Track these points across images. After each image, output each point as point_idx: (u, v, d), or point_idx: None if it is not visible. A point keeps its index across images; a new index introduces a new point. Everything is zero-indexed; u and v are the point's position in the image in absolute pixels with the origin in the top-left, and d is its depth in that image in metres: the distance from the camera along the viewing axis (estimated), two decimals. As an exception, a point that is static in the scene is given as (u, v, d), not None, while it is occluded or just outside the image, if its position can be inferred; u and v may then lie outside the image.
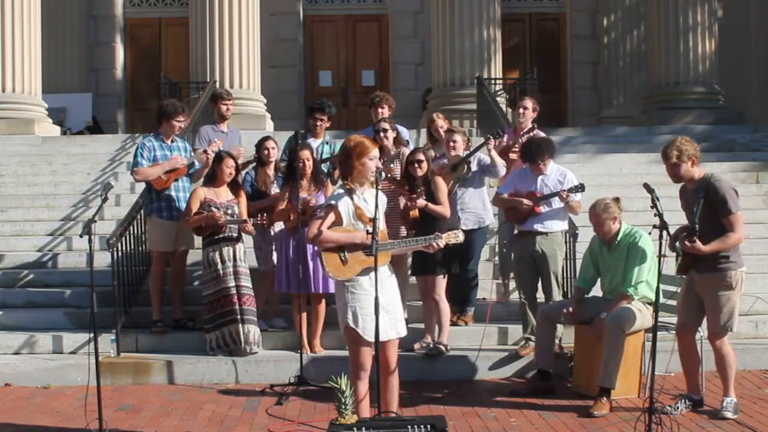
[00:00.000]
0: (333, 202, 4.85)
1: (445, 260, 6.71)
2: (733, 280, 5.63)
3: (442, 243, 4.81)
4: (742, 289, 5.74)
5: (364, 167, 4.80)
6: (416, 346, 7.03)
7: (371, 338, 4.66)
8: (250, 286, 7.16)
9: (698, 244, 5.48)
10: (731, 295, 5.63)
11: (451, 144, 7.42)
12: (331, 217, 4.81)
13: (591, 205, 6.30)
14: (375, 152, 4.83)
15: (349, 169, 4.85)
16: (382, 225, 4.86)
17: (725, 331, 5.66)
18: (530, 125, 7.95)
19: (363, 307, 4.71)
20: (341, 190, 4.88)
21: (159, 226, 7.53)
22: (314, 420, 5.68)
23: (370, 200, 4.84)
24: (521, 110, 8.10)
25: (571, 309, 6.26)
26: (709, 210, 5.52)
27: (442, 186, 6.94)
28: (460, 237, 4.92)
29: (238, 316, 7.01)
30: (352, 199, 4.82)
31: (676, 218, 5.98)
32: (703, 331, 5.92)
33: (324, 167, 7.75)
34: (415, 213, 6.85)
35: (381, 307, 4.63)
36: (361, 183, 4.86)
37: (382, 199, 4.92)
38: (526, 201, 6.80)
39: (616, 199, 6.28)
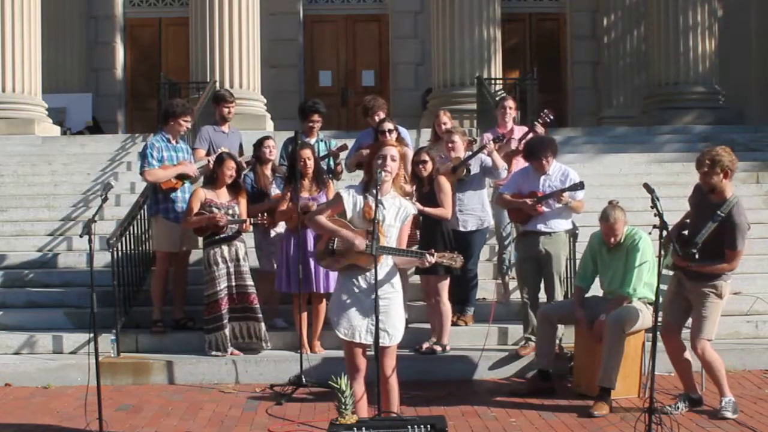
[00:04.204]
0: (341, 192, 4.86)
1: None
2: (723, 290, 5.66)
3: (432, 260, 4.76)
4: (726, 300, 5.78)
5: (376, 166, 4.78)
6: (425, 345, 7.04)
7: (341, 334, 4.70)
8: (253, 284, 7.17)
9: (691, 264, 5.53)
10: (719, 304, 5.68)
11: (450, 145, 7.43)
12: (333, 207, 4.82)
13: (602, 215, 6.22)
14: (384, 150, 4.78)
15: (369, 170, 4.84)
16: (393, 232, 4.79)
17: (706, 339, 5.67)
18: (513, 125, 8.19)
19: (343, 304, 4.72)
20: (355, 186, 4.88)
21: (165, 227, 7.53)
22: (314, 420, 5.69)
23: (391, 207, 4.77)
24: (507, 110, 8.22)
25: (581, 319, 6.25)
26: (718, 233, 5.51)
27: (445, 187, 6.94)
28: (458, 262, 4.81)
29: (238, 315, 7.05)
30: (365, 197, 4.78)
31: (677, 218, 5.97)
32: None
33: (323, 164, 7.77)
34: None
35: (362, 309, 4.65)
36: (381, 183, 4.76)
37: (408, 210, 4.87)
38: (529, 201, 6.79)
39: (617, 203, 6.26)
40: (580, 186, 6.77)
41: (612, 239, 6.20)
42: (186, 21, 14.06)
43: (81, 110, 15.32)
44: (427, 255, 4.70)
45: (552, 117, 8.06)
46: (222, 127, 8.44)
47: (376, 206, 4.61)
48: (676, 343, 5.86)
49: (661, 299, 6.12)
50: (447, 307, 7.00)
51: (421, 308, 7.54)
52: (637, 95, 15.88)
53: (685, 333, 5.90)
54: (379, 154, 4.77)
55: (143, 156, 7.54)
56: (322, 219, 4.78)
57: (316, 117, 8.02)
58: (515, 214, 7.06)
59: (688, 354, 5.89)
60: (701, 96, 13.91)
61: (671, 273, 5.89)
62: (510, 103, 8.31)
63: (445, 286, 6.98)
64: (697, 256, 5.48)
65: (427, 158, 6.98)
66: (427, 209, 6.87)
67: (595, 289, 6.54)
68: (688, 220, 5.81)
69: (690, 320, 5.82)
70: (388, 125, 7.52)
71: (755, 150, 11.92)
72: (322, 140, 8.20)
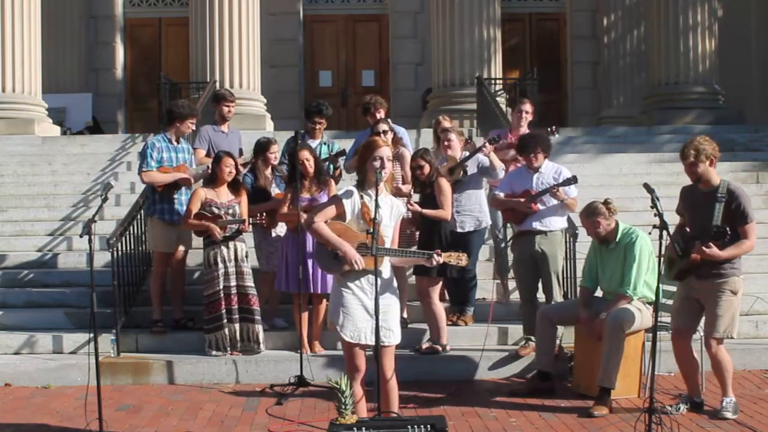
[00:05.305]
0: (339, 195, 4.85)
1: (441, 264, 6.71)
2: (737, 285, 5.62)
3: (440, 260, 4.77)
4: (741, 296, 5.74)
5: (372, 167, 4.76)
6: (424, 345, 7.05)
7: (348, 337, 4.68)
8: (254, 285, 7.17)
9: (715, 249, 5.45)
10: (734, 301, 5.62)
11: (446, 143, 7.43)
12: (332, 210, 4.79)
13: (582, 209, 6.30)
14: (380, 151, 4.75)
15: (362, 170, 4.82)
16: (389, 232, 4.80)
17: (724, 338, 5.64)
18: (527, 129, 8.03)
19: (346, 306, 4.70)
20: (353, 187, 4.87)
21: (160, 228, 7.52)
22: (314, 420, 5.68)
23: (384, 206, 4.75)
24: (523, 114, 8.06)
25: (584, 316, 6.23)
26: (726, 216, 5.49)
27: (445, 189, 6.95)
28: (463, 261, 4.85)
29: (237, 315, 7.04)
30: (362, 198, 4.78)
31: (677, 219, 5.97)
32: (700, 331, 5.91)
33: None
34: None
35: (366, 310, 4.65)
36: (373, 183, 4.73)
37: (400, 208, 4.91)
38: (523, 200, 6.81)
39: (606, 201, 6.26)
40: (573, 180, 6.77)
41: (592, 234, 6.23)
42: (186, 21, 14.07)
43: (81, 110, 15.32)
44: (435, 255, 4.73)
45: (558, 133, 8.04)
46: (221, 127, 8.43)
47: (376, 207, 4.61)
48: (686, 347, 5.82)
49: (663, 300, 6.14)
50: (438, 307, 7.01)
51: (420, 308, 7.53)
52: (637, 95, 15.88)
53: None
54: (375, 156, 4.75)
55: (142, 156, 7.53)
56: (324, 228, 4.73)
57: (318, 118, 8.04)
58: (509, 215, 7.05)
59: (697, 356, 5.89)
60: (701, 96, 13.91)
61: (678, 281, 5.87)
62: (527, 107, 8.10)
63: (436, 289, 7.00)
64: (729, 231, 5.40)
65: (423, 163, 7.00)
66: (426, 211, 6.90)
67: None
68: (687, 229, 5.77)
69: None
70: (383, 126, 7.53)
71: (755, 150, 11.92)
72: (325, 143, 8.20)
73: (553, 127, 7.97)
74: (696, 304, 5.74)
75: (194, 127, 7.96)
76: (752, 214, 5.55)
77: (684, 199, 5.85)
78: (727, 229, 5.42)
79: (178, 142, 7.70)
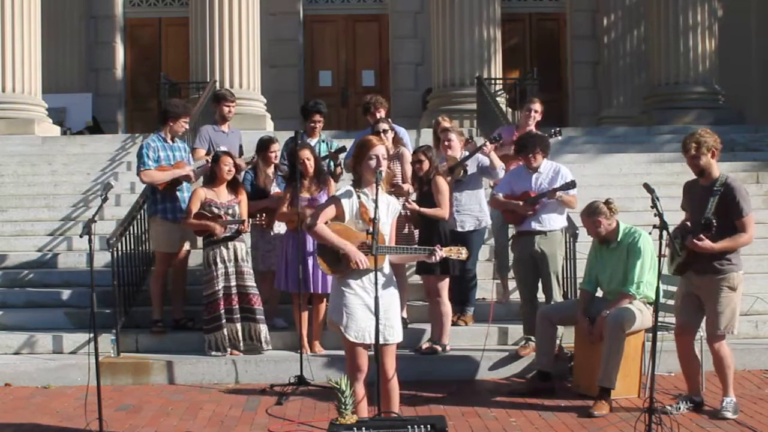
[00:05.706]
0: (337, 195, 4.84)
1: (443, 261, 6.70)
2: (735, 281, 5.61)
3: (442, 254, 4.78)
4: (741, 292, 5.73)
5: (368, 166, 4.77)
6: (424, 345, 7.04)
7: (352, 337, 4.66)
8: (255, 285, 7.17)
9: (707, 242, 5.46)
10: (733, 297, 5.62)
11: (446, 143, 7.43)
12: (331, 210, 4.78)
13: (583, 209, 6.31)
14: (376, 150, 4.75)
15: (357, 169, 4.82)
16: (387, 229, 4.81)
17: (725, 334, 5.64)
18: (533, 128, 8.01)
19: (348, 305, 4.69)
20: (350, 187, 4.86)
21: (163, 227, 7.53)
22: (314, 420, 5.68)
23: (381, 204, 4.73)
24: (532, 113, 7.98)
25: (582, 319, 6.24)
26: (721, 209, 5.50)
27: (442, 187, 6.94)
28: (463, 254, 4.87)
29: (237, 315, 7.04)
30: (359, 197, 4.79)
31: (676, 218, 5.98)
32: (702, 331, 5.92)
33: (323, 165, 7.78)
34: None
35: (368, 309, 4.64)
36: (369, 182, 4.77)
37: (396, 206, 4.93)
38: (522, 204, 6.80)
39: (607, 200, 6.26)
40: (571, 185, 6.77)
41: (593, 234, 6.25)
42: (186, 21, 14.07)
43: (81, 110, 15.31)
44: (436, 250, 4.74)
45: (561, 136, 8.06)
46: (222, 127, 8.44)
47: (376, 207, 4.62)
48: (689, 344, 5.83)
49: (663, 300, 6.14)
50: (447, 307, 7.00)
51: (420, 308, 7.55)
52: (637, 95, 15.88)
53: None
54: (370, 155, 4.74)
55: (139, 156, 7.55)
56: (326, 230, 4.72)
57: (317, 117, 8.06)
58: (509, 216, 7.05)
59: (699, 355, 5.88)
60: (701, 96, 13.91)
61: (679, 277, 5.87)
62: (537, 106, 8.04)
63: (444, 285, 6.98)
64: (715, 222, 5.40)
65: (423, 158, 7.01)
66: (424, 209, 6.90)
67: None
68: (688, 223, 5.79)
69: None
70: (383, 125, 7.55)
71: (755, 150, 11.92)
72: (323, 141, 8.22)
73: (557, 129, 7.97)
74: (697, 299, 5.75)
75: (188, 126, 7.97)
76: (747, 208, 5.53)
77: (686, 194, 5.86)
78: (713, 221, 5.41)
79: (173, 141, 7.71)
